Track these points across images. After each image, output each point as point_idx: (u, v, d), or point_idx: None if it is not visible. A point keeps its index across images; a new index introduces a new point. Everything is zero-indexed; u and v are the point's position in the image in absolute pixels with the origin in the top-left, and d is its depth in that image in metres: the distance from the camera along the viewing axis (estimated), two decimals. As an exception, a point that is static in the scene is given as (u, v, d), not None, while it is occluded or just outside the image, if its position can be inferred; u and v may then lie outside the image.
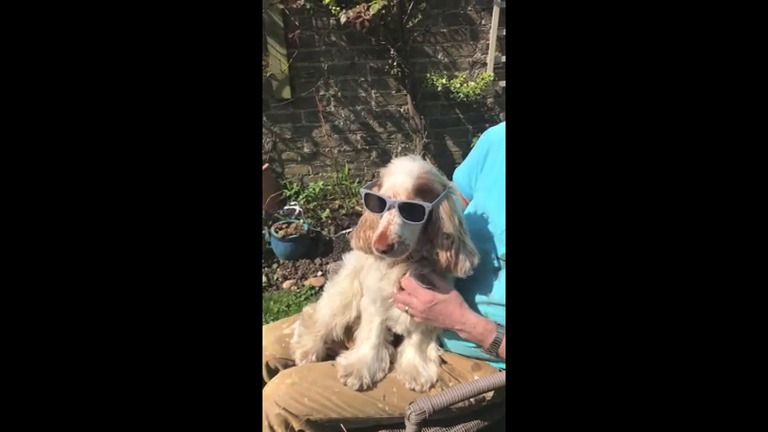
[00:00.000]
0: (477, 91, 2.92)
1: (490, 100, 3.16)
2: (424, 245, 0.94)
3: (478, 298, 1.03)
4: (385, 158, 3.22)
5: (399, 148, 3.07)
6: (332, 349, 1.19)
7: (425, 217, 0.86)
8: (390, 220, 0.85)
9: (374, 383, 1.04)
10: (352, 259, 1.21)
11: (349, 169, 3.16)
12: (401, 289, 0.99)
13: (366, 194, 0.90)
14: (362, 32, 2.64)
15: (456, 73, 3.01)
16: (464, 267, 0.92)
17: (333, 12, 2.60)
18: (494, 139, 1.10)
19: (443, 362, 1.10)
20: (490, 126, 0.92)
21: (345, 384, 1.02)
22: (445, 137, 3.23)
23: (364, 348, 1.09)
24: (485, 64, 3.03)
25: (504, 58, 3.02)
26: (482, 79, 2.93)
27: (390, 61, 2.87)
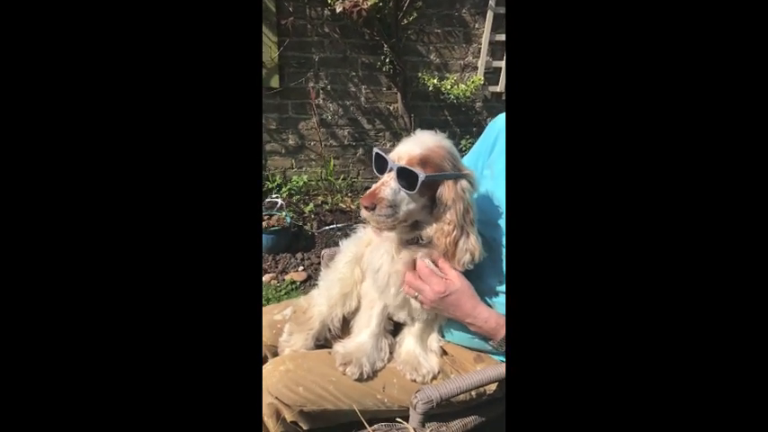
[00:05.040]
0: (468, 94, 2.93)
1: (479, 104, 3.18)
2: (429, 226, 0.90)
3: (488, 286, 0.99)
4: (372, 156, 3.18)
5: (388, 146, 3.03)
6: (328, 344, 1.12)
7: (416, 187, 0.82)
8: (385, 182, 0.83)
9: (374, 373, 0.99)
10: (351, 246, 1.16)
11: (334, 165, 3.10)
12: (413, 271, 0.95)
13: (376, 153, 0.88)
14: (358, 24, 2.60)
15: (447, 74, 3.02)
16: (463, 259, 0.88)
17: (328, 1, 2.56)
18: (503, 125, 1.08)
19: (444, 353, 1.06)
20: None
21: (344, 373, 0.96)
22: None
23: (363, 336, 1.03)
24: (475, 68, 3.05)
25: (494, 64, 3.04)
26: (472, 83, 2.95)
27: (383, 57, 2.84)
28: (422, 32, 2.89)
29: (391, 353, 1.06)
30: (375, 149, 0.88)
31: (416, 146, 0.85)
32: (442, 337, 1.08)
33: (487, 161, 1.10)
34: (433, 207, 0.88)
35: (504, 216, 1.01)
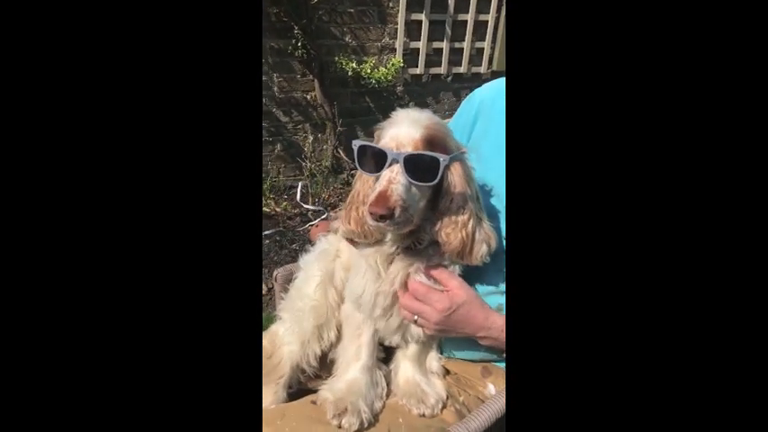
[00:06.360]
0: (389, 77, 2.78)
1: (400, 88, 3.06)
2: (432, 224, 0.74)
3: (491, 285, 0.85)
4: (292, 151, 2.90)
5: (310, 139, 2.78)
6: (303, 386, 0.90)
7: (439, 176, 0.67)
8: (392, 179, 0.65)
9: (374, 417, 0.80)
10: (315, 262, 0.94)
11: (251, 165, 2.76)
12: (407, 292, 0.77)
13: (361, 147, 0.69)
14: (263, 3, 2.29)
15: (365, 58, 2.84)
16: (481, 252, 0.74)
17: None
18: (483, 99, 0.94)
19: (447, 372, 0.91)
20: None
21: (340, 427, 0.76)
22: (356, 128, 3.03)
23: (353, 372, 0.83)
24: (393, 49, 2.91)
25: (412, 44, 2.94)
26: (392, 65, 2.81)
27: (294, 41, 2.56)
28: (334, 12, 2.66)
29: (387, 384, 0.87)
30: (358, 143, 0.69)
31: (412, 127, 0.68)
32: (441, 353, 0.92)
33: (468, 143, 0.95)
34: (437, 199, 0.72)
35: (498, 202, 0.88)
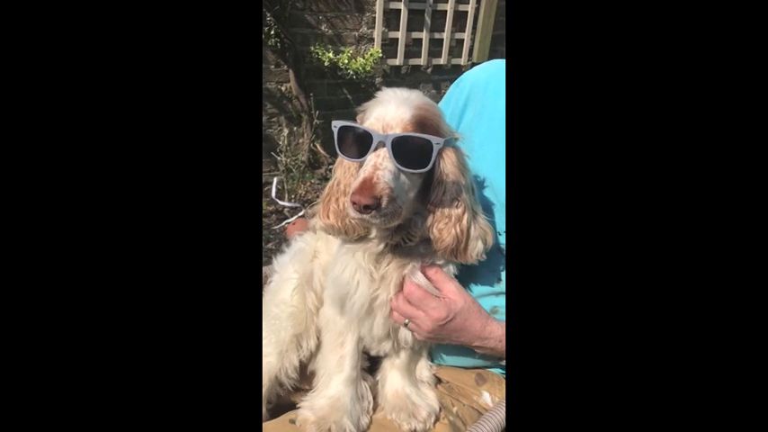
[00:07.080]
0: (368, 68, 2.68)
1: (378, 80, 2.96)
2: (423, 219, 0.66)
3: (485, 287, 0.78)
4: (266, 145, 2.77)
5: (285, 132, 2.66)
6: (281, 400, 0.81)
7: (431, 162, 0.59)
8: (378, 165, 0.58)
9: (361, 436, 0.72)
10: (291, 264, 0.85)
11: (223, 159, 2.63)
12: (400, 294, 0.69)
13: (342, 128, 0.61)
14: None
15: (342, 48, 2.73)
16: (476, 249, 0.67)
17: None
18: (475, 82, 0.87)
19: (439, 381, 0.84)
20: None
21: (323, 450, 0.67)
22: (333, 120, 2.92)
23: (336, 386, 0.75)
24: (371, 39, 2.81)
25: (391, 34, 2.84)
26: (371, 56, 2.72)
27: (267, 29, 2.43)
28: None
29: (374, 397, 0.79)
30: (339, 123, 0.61)
31: (402, 107, 0.60)
32: (432, 361, 0.85)
33: (458, 131, 0.88)
34: (428, 190, 0.64)
35: (492, 193, 0.81)
